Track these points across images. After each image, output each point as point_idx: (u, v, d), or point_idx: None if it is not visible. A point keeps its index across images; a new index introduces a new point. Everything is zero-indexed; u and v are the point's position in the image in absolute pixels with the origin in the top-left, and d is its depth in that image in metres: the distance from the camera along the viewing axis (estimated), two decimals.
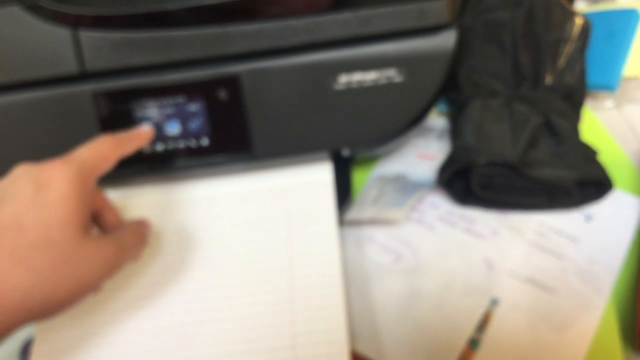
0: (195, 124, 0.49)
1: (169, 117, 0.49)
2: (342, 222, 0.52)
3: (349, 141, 0.49)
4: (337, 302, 0.45)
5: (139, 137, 0.46)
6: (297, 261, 0.47)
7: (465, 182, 0.51)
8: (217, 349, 0.44)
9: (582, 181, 0.50)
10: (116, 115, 0.48)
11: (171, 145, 0.49)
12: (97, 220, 0.45)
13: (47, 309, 0.37)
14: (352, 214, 0.52)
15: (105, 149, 0.42)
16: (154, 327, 0.46)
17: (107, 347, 0.46)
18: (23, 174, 0.39)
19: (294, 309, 0.45)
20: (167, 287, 0.48)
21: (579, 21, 0.53)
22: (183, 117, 0.48)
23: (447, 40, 0.46)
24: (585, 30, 0.54)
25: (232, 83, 0.48)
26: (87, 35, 0.46)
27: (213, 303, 0.47)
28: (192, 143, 0.49)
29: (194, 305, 0.47)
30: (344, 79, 0.47)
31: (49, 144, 0.49)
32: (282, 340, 0.44)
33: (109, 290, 0.48)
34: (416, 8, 0.45)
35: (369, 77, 0.47)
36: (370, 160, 0.58)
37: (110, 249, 0.40)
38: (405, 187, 0.53)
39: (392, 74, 0.47)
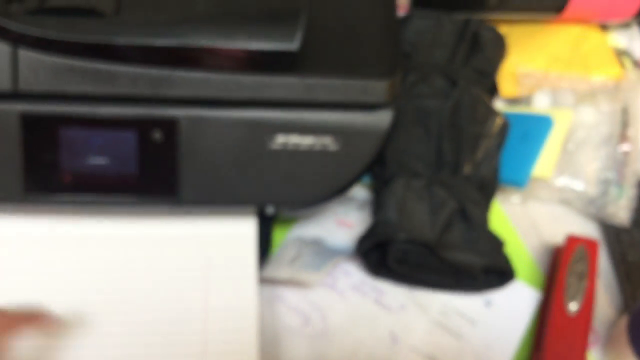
0: (124, 161, 0.48)
1: (97, 150, 0.48)
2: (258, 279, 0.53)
3: (275, 200, 0.50)
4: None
5: (39, 322, 0.41)
6: (213, 314, 0.47)
7: (380, 253, 0.53)
8: None
9: (488, 268, 0.53)
10: (43, 140, 0.47)
11: (96, 180, 0.48)
12: None
13: None
14: (268, 271, 0.52)
15: None
16: None
17: None
18: None
19: None
20: (71, 332, 0.46)
21: (499, 120, 0.58)
22: (112, 153, 0.48)
23: (383, 118, 0.49)
24: (504, 129, 0.58)
25: (169, 126, 0.48)
26: (27, 55, 0.45)
27: (122, 350, 0.45)
28: (119, 180, 0.48)
29: (102, 353, 0.45)
30: (280, 140, 0.48)
31: None
32: None
33: None
34: (360, 84, 0.47)
35: (305, 141, 0.48)
36: (289, 220, 0.59)
37: None
38: (323, 251, 0.54)
39: (327, 142, 0.48)
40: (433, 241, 0.50)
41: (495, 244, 0.53)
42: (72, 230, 0.51)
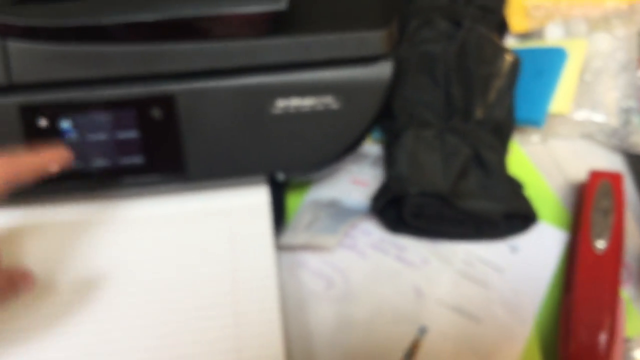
0: (127, 142, 0.47)
1: (100, 134, 0.47)
2: (275, 246, 0.52)
3: (284, 166, 0.49)
4: (274, 329, 0.45)
5: (45, 161, 0.41)
6: (235, 285, 0.47)
7: (397, 210, 0.52)
8: None
9: (508, 214, 0.51)
10: (44, 130, 0.46)
11: (101, 163, 0.47)
12: None
13: None
14: (286, 238, 0.52)
15: None
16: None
17: None
18: None
19: (238, 334, 0.45)
20: (101, 311, 0.46)
21: (509, 57, 0.55)
22: (115, 135, 0.47)
23: (383, 70, 0.47)
24: (515, 67, 0.56)
25: (166, 102, 0.47)
26: (16, 46, 0.44)
27: (152, 330, 0.45)
28: (124, 161, 0.47)
29: (130, 332, 0.45)
30: (281, 104, 0.47)
31: None
32: None
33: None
34: (355, 38, 0.46)
35: (306, 102, 0.47)
36: (304, 184, 0.58)
37: None
38: (339, 213, 0.53)
39: (329, 101, 0.47)
40: (446, 191, 0.49)
41: (514, 188, 0.52)
42: (77, 216, 0.51)
